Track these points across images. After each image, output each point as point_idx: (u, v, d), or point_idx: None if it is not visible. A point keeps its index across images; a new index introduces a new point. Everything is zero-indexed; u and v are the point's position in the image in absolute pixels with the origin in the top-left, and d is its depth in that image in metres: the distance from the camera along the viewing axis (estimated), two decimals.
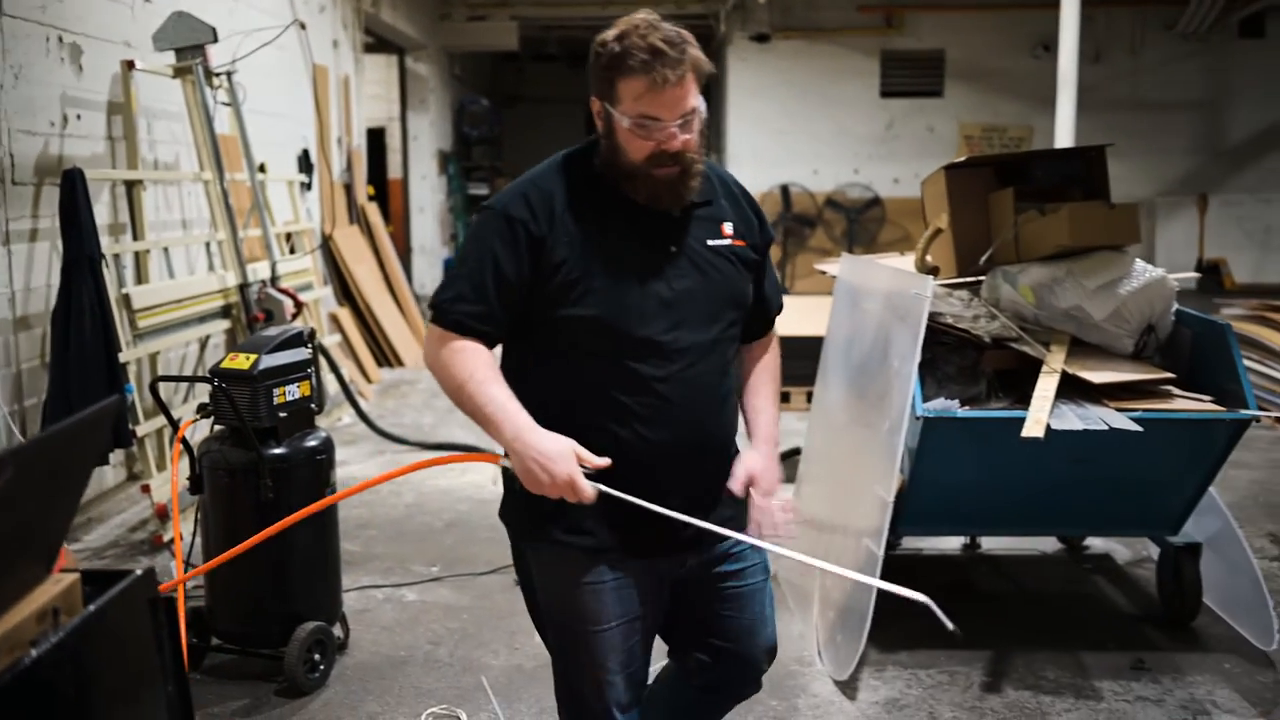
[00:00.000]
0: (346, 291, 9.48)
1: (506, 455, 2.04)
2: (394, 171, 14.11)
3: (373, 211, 10.70)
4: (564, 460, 1.94)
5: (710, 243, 2.16)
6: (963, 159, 4.25)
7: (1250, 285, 14.07)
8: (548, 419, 2.03)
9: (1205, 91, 15.03)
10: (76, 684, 1.49)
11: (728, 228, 2.19)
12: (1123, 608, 4.33)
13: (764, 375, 2.36)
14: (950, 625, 1.73)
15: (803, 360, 6.77)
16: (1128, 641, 3.97)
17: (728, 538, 2.15)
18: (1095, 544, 4.93)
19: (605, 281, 2.05)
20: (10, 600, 1.51)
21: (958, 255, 4.13)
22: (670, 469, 2.12)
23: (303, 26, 8.30)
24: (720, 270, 2.16)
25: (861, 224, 14.73)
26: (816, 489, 4.69)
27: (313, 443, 3.71)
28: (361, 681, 3.69)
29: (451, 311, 2.07)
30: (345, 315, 9.20)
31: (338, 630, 3.89)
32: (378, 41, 12.42)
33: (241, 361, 3.61)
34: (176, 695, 1.72)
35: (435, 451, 6.76)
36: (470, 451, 6.62)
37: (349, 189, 10.13)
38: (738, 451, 2.29)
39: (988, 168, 4.21)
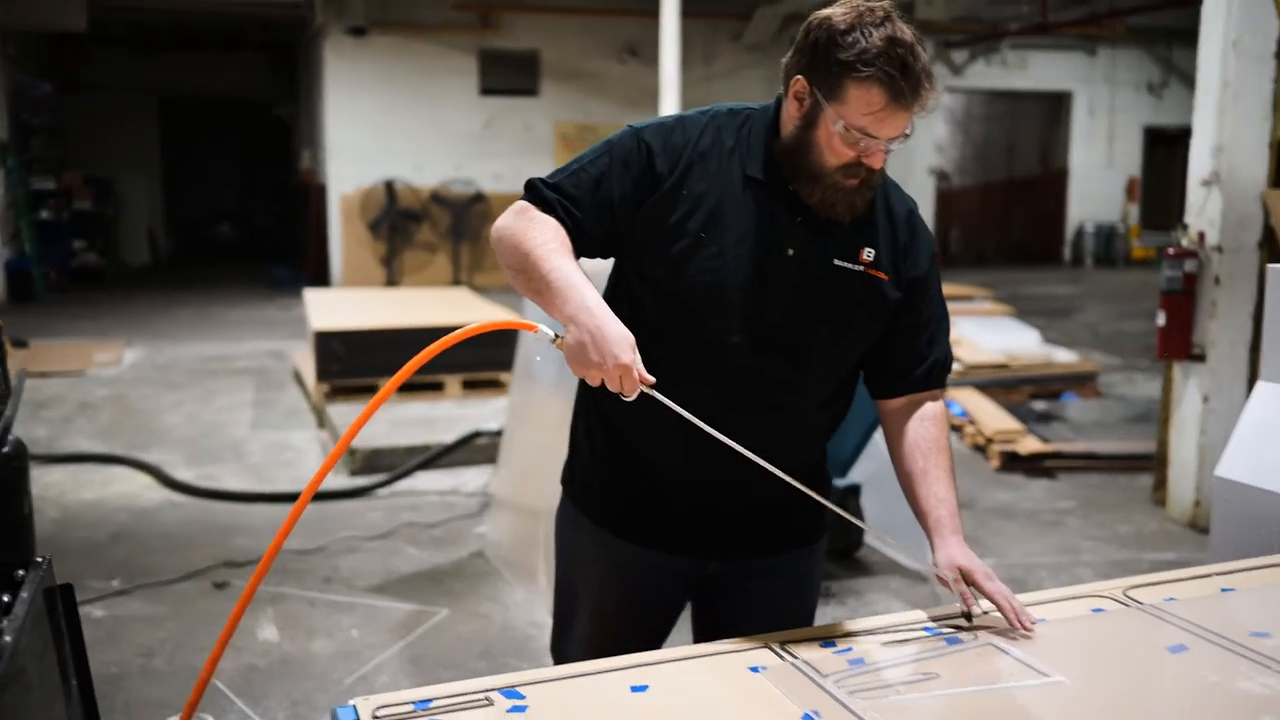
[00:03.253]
0: None
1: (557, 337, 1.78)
2: None
3: None
4: (621, 345, 1.67)
5: (838, 262, 1.85)
6: None
7: None
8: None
9: (766, 98, 16.64)
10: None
11: (866, 253, 1.87)
12: None
13: (935, 456, 1.94)
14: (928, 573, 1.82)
15: (457, 349, 6.86)
16: None
17: (764, 555, 1.99)
18: None
19: (697, 254, 1.83)
20: None
21: None
22: (685, 476, 1.96)
23: None
24: (835, 296, 1.86)
25: (467, 219, 14.93)
26: (513, 471, 4.83)
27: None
28: None
29: (545, 190, 1.86)
30: None
31: None
32: None
33: None
34: (80, 692, 1.60)
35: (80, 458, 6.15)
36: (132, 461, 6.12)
37: None
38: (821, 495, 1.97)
39: None
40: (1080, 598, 2.01)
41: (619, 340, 1.68)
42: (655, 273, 1.88)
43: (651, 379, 1.72)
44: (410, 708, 1.59)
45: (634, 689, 1.65)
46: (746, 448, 1.81)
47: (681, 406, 1.79)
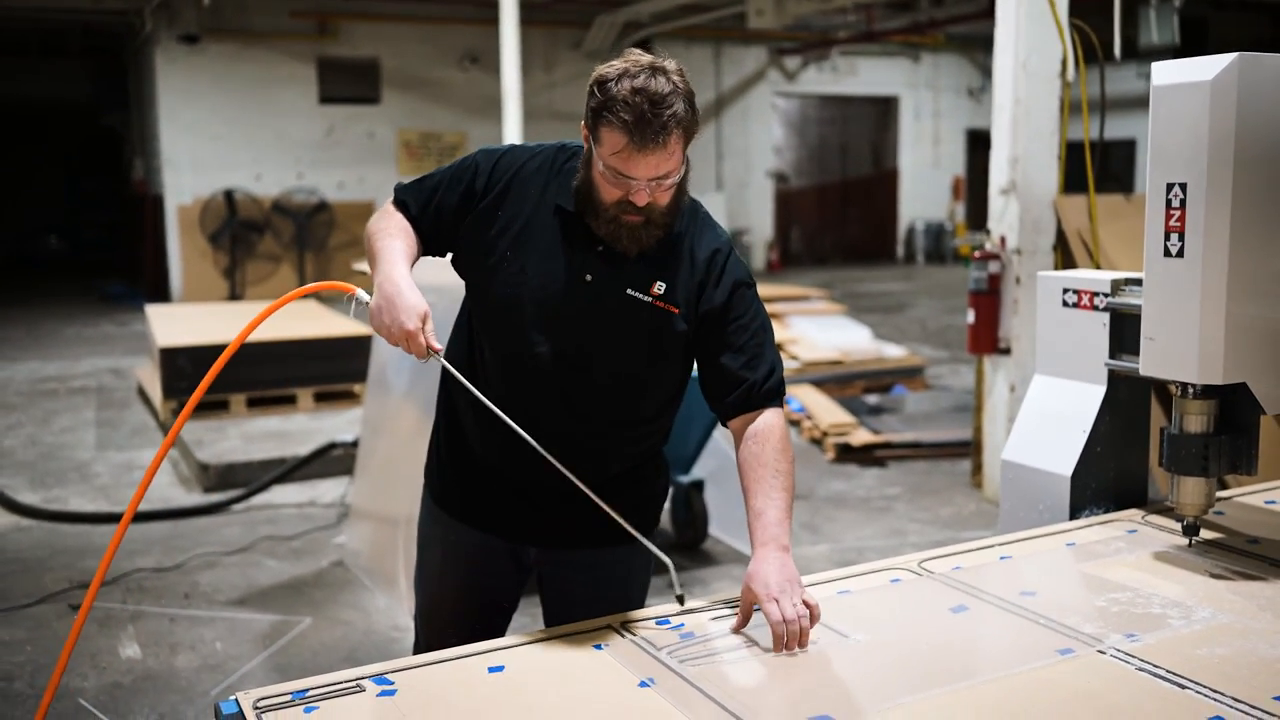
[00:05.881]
0: None
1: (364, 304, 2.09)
2: None
3: None
4: (409, 313, 1.96)
5: (630, 292, 2.07)
6: None
7: None
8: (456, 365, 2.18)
9: None
10: None
11: (658, 286, 2.08)
12: None
13: (761, 472, 2.08)
14: (678, 590, 2.06)
15: (272, 364, 7.00)
16: (659, 567, 4.72)
17: (580, 546, 2.24)
18: None
19: (502, 269, 2.08)
20: None
21: None
22: (502, 471, 2.21)
23: None
24: (625, 321, 2.08)
25: (311, 228, 14.78)
26: (371, 481, 4.96)
27: None
28: None
29: (398, 193, 2.20)
30: None
31: None
32: None
33: None
34: None
35: None
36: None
37: None
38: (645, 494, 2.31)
39: None
40: (881, 570, 2.31)
41: (408, 308, 1.96)
42: (474, 281, 2.17)
43: (439, 346, 2.00)
44: (288, 698, 1.77)
45: (491, 669, 1.86)
46: (556, 449, 2.04)
47: (501, 405, 2.04)
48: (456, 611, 2.32)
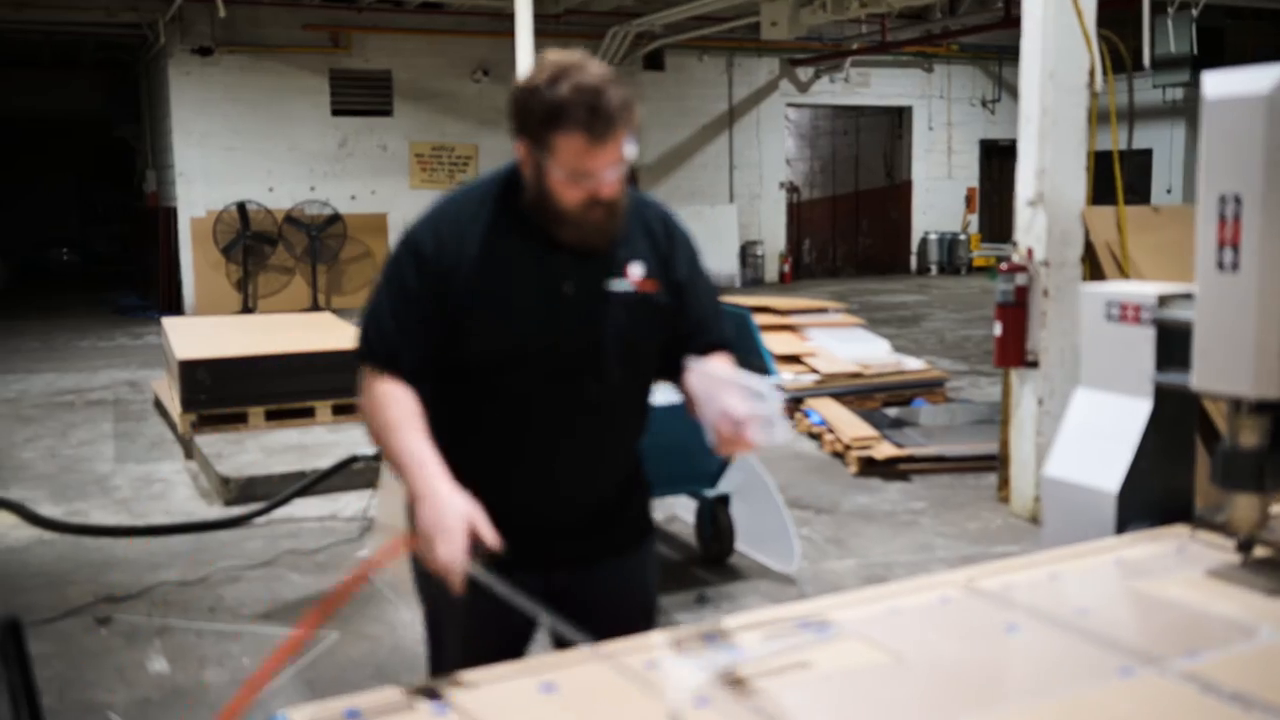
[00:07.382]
0: None
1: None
2: None
3: None
4: (450, 539, 1.89)
5: (611, 286, 2.06)
6: None
7: None
8: (441, 438, 2.07)
9: None
10: None
11: (634, 270, 2.08)
12: (672, 557, 5.09)
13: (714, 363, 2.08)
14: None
15: (290, 377, 6.98)
16: (687, 582, 4.72)
17: (605, 559, 2.22)
18: None
19: (484, 311, 2.04)
20: None
21: None
22: (526, 507, 2.16)
23: None
24: (615, 315, 2.07)
25: (323, 241, 14.79)
26: (395, 493, 4.94)
27: None
28: None
29: (377, 350, 2.08)
30: None
31: None
32: None
33: None
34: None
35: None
36: None
37: None
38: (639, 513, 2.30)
39: None
40: (930, 589, 2.28)
41: (445, 535, 1.88)
42: (457, 341, 2.06)
43: (494, 545, 1.91)
44: (341, 715, 1.74)
45: (544, 688, 1.83)
46: (578, 468, 2.12)
47: (525, 437, 2.10)
48: (482, 647, 2.15)
